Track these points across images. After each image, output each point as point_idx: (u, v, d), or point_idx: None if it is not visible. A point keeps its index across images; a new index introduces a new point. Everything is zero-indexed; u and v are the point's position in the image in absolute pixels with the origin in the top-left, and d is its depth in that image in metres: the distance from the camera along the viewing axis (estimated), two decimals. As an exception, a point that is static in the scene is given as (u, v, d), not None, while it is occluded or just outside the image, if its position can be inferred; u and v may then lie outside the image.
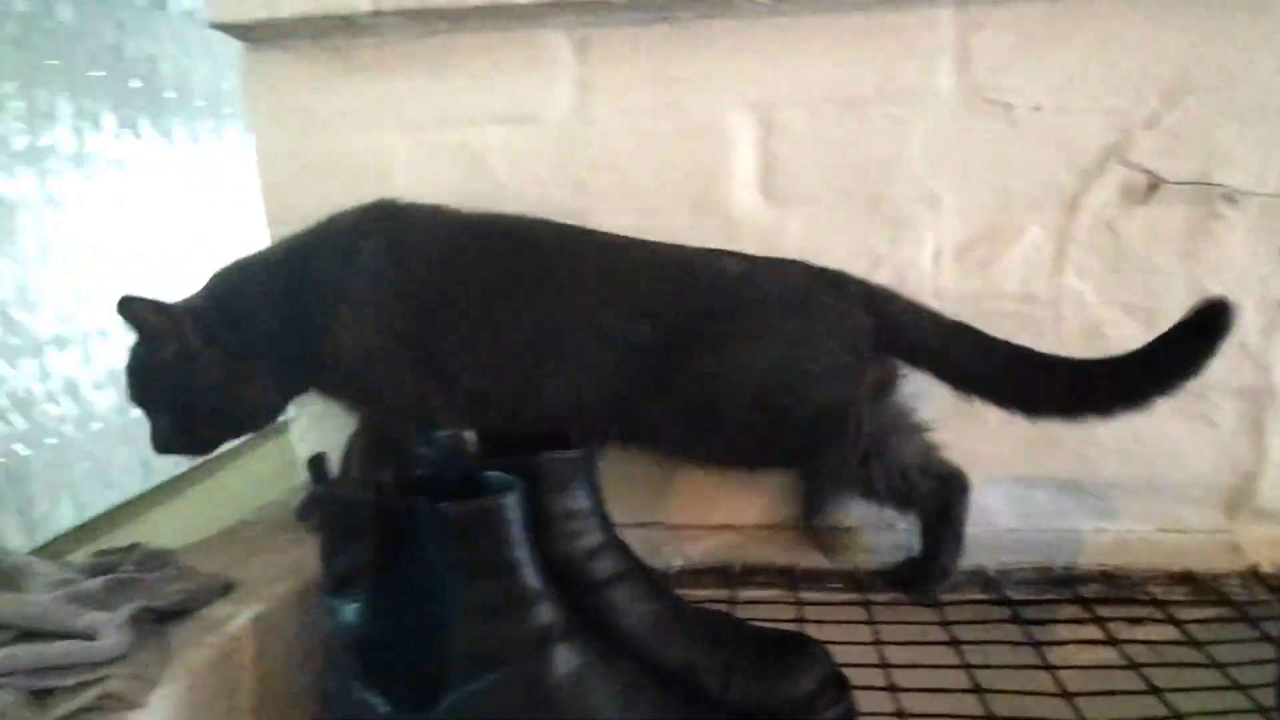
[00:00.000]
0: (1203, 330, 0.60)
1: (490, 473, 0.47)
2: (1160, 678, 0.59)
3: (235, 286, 0.67)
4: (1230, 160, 0.69)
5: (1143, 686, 0.59)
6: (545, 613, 0.44)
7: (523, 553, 0.44)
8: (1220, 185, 0.70)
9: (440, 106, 0.75)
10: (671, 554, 0.80)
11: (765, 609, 0.72)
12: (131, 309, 0.62)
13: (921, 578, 0.71)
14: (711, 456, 0.72)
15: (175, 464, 1.12)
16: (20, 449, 0.88)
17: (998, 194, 0.72)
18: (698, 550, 0.80)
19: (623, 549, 0.55)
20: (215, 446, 0.69)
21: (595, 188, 0.75)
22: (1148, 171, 0.70)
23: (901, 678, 0.60)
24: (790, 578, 0.78)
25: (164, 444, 0.66)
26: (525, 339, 0.65)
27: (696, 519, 0.80)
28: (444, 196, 0.77)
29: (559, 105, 0.75)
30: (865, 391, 0.66)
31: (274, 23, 0.72)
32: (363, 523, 0.46)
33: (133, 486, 1.05)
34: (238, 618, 0.56)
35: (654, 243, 0.69)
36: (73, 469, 0.94)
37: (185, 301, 0.66)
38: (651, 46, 0.73)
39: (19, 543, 0.87)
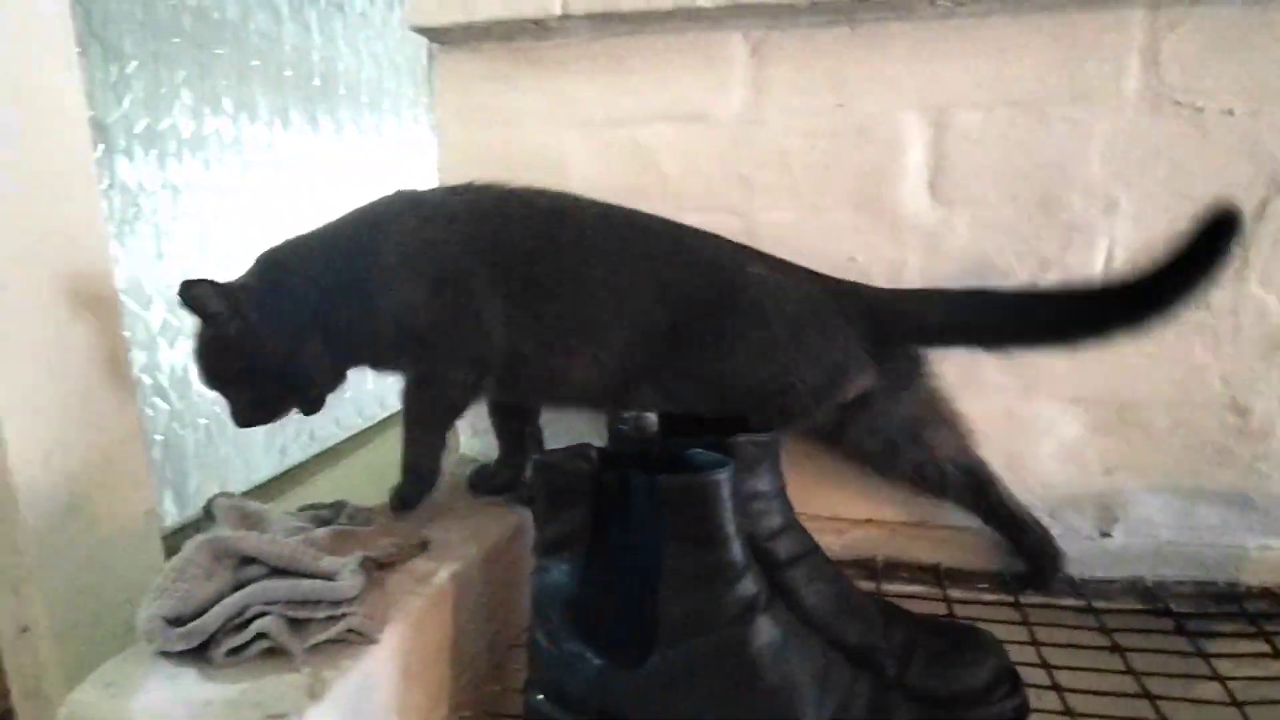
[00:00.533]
0: (1212, 240, 0.58)
1: (696, 451, 0.50)
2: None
3: (285, 266, 0.68)
4: None
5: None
6: (749, 584, 0.47)
7: (731, 527, 0.47)
8: None
9: (615, 105, 0.79)
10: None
11: (914, 604, 0.73)
12: (192, 291, 0.63)
13: (1032, 569, 0.73)
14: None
15: (306, 447, 1.22)
16: (177, 428, 0.97)
17: (1179, 199, 0.71)
18: (840, 543, 0.82)
19: (802, 531, 0.58)
20: (285, 414, 0.71)
21: (760, 184, 0.78)
22: (1348, 179, 0.67)
23: (1066, 679, 0.61)
24: (936, 574, 0.79)
25: (244, 420, 0.68)
26: (559, 310, 0.66)
27: (839, 511, 0.82)
28: (614, 190, 0.81)
29: (730, 104, 0.77)
30: (856, 392, 0.67)
31: (468, 26, 0.78)
32: (577, 491, 0.50)
33: (269, 467, 1.15)
34: (440, 572, 0.61)
35: (687, 230, 0.70)
36: (218, 449, 1.04)
37: (238, 281, 0.67)
38: (826, 48, 0.74)
39: (174, 514, 0.97)
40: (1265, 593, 0.73)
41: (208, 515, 0.61)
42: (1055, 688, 0.60)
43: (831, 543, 0.82)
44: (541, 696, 0.51)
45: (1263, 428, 0.72)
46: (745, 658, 0.46)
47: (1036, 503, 0.77)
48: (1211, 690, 0.60)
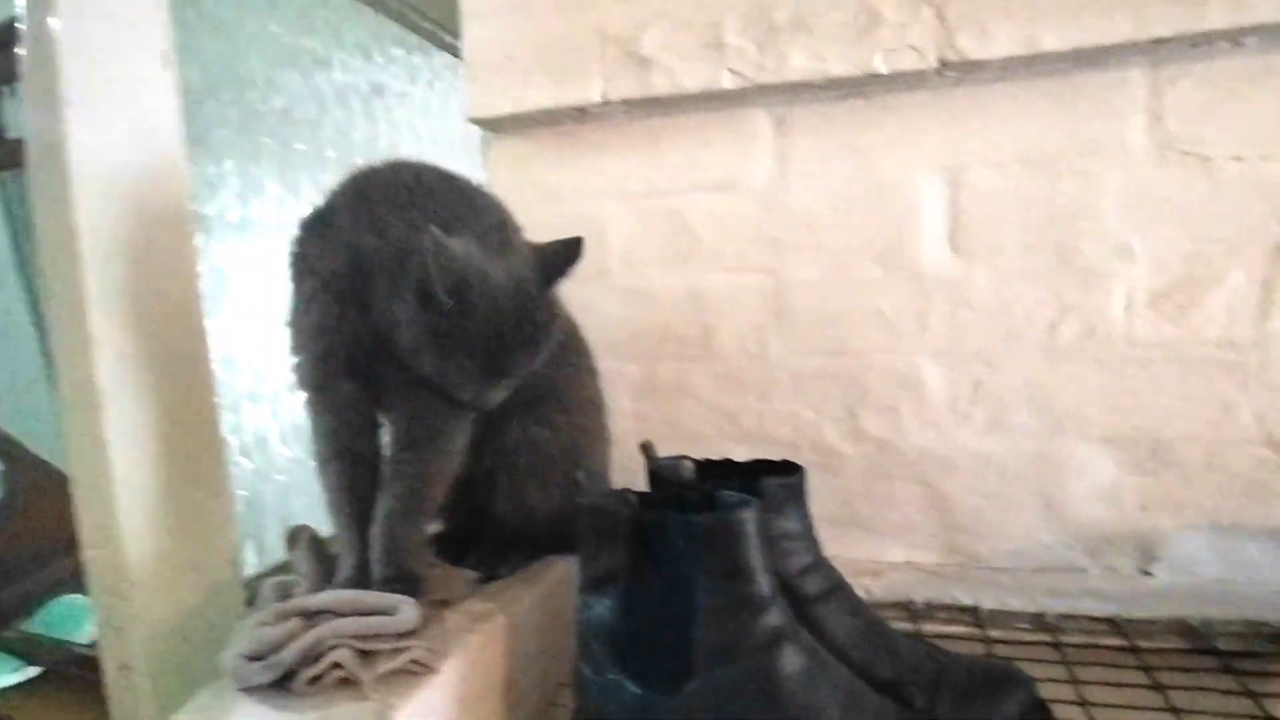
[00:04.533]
0: None
1: (726, 492, 0.55)
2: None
3: None
4: None
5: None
6: (776, 616, 0.51)
7: (758, 561, 0.51)
8: None
9: (652, 178, 0.87)
10: (855, 588, 0.85)
11: (953, 644, 0.75)
12: None
13: None
14: None
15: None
16: (258, 483, 1.05)
17: (1195, 241, 0.73)
18: (880, 585, 0.84)
19: (830, 569, 0.61)
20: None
21: (789, 246, 0.83)
22: (1363, 217, 0.69)
23: (1104, 716, 0.62)
24: (975, 615, 0.80)
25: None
26: None
27: (878, 555, 0.84)
28: (653, 255, 0.88)
29: (758, 174, 0.84)
30: None
31: (518, 115, 0.87)
32: (618, 532, 0.54)
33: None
34: (496, 612, 0.66)
35: None
36: (293, 503, 1.11)
37: None
38: (844, 119, 0.80)
39: (255, 563, 1.04)
40: (1320, 633, 0.72)
41: (290, 544, 0.68)
42: (1092, 724, 0.61)
43: (870, 585, 0.84)
44: (588, 724, 0.55)
45: (1301, 464, 0.73)
46: (773, 684, 0.49)
47: (1075, 543, 0.79)
48: (1258, 728, 0.60)
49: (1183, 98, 0.72)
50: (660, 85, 0.80)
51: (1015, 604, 0.80)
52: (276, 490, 1.09)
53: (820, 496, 0.85)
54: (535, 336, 0.60)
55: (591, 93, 0.83)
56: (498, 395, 0.61)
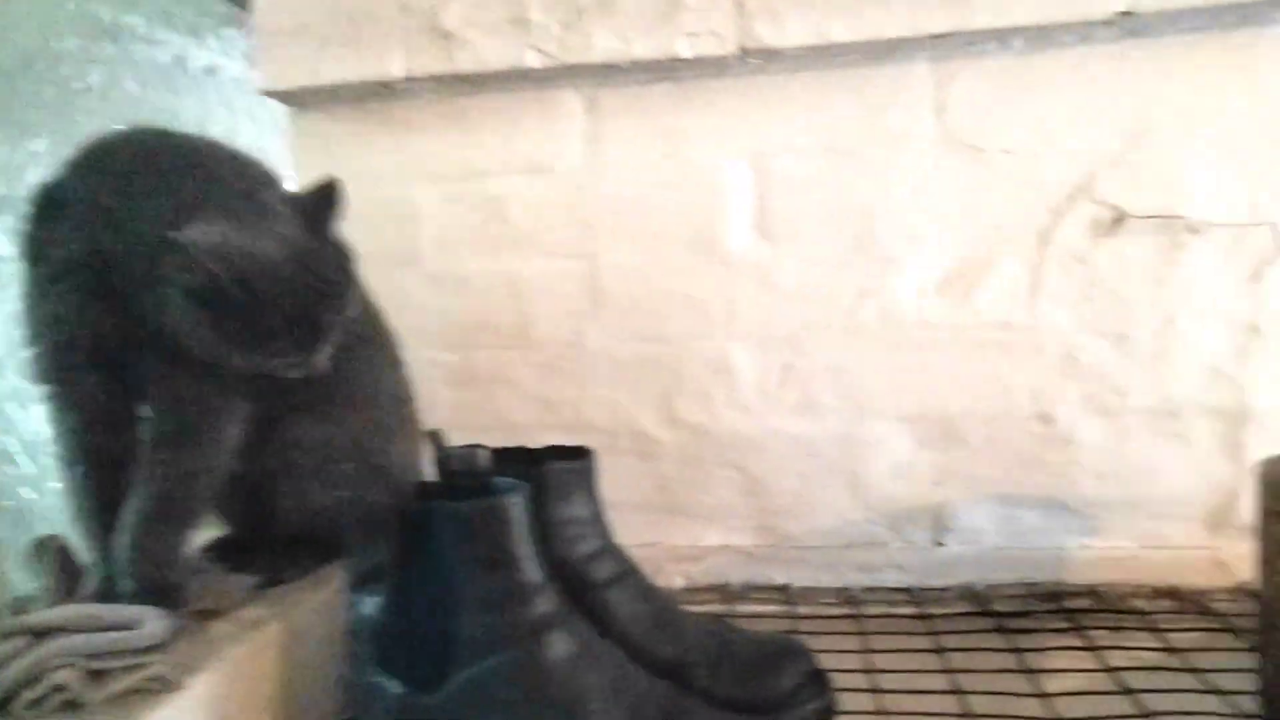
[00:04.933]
0: None
1: (499, 479, 0.53)
2: (1136, 681, 0.62)
3: None
4: (1190, 193, 0.74)
5: (1118, 688, 0.62)
6: (543, 603, 0.49)
7: (524, 549, 0.49)
8: (1182, 217, 0.74)
9: (464, 159, 0.84)
10: (674, 573, 0.85)
11: (764, 622, 0.76)
12: None
13: None
14: None
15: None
16: (26, 492, 0.95)
17: (975, 230, 0.77)
18: (699, 569, 0.85)
19: (620, 555, 0.60)
20: None
21: (602, 230, 0.82)
22: (1113, 206, 0.75)
23: (887, 681, 0.64)
24: (786, 593, 0.82)
25: None
26: None
27: (697, 540, 0.85)
28: (466, 240, 0.85)
29: (571, 156, 0.82)
30: None
31: (317, 89, 0.81)
32: (383, 524, 0.52)
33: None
34: (270, 620, 0.62)
35: None
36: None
37: None
38: (655, 103, 0.80)
39: (19, 584, 0.93)
40: (1088, 590, 0.78)
41: (36, 556, 0.61)
42: (874, 690, 0.63)
43: (690, 569, 0.85)
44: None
45: (1067, 435, 0.78)
46: (538, 672, 0.48)
47: (877, 519, 0.82)
48: (1021, 684, 0.64)
49: (962, 93, 0.76)
50: (464, 62, 0.77)
51: (826, 580, 0.83)
52: (51, 500, 0.99)
53: (638, 483, 0.86)
54: (332, 286, 0.57)
55: (393, 67, 0.79)
56: (323, 355, 0.57)
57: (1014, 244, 0.77)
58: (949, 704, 0.61)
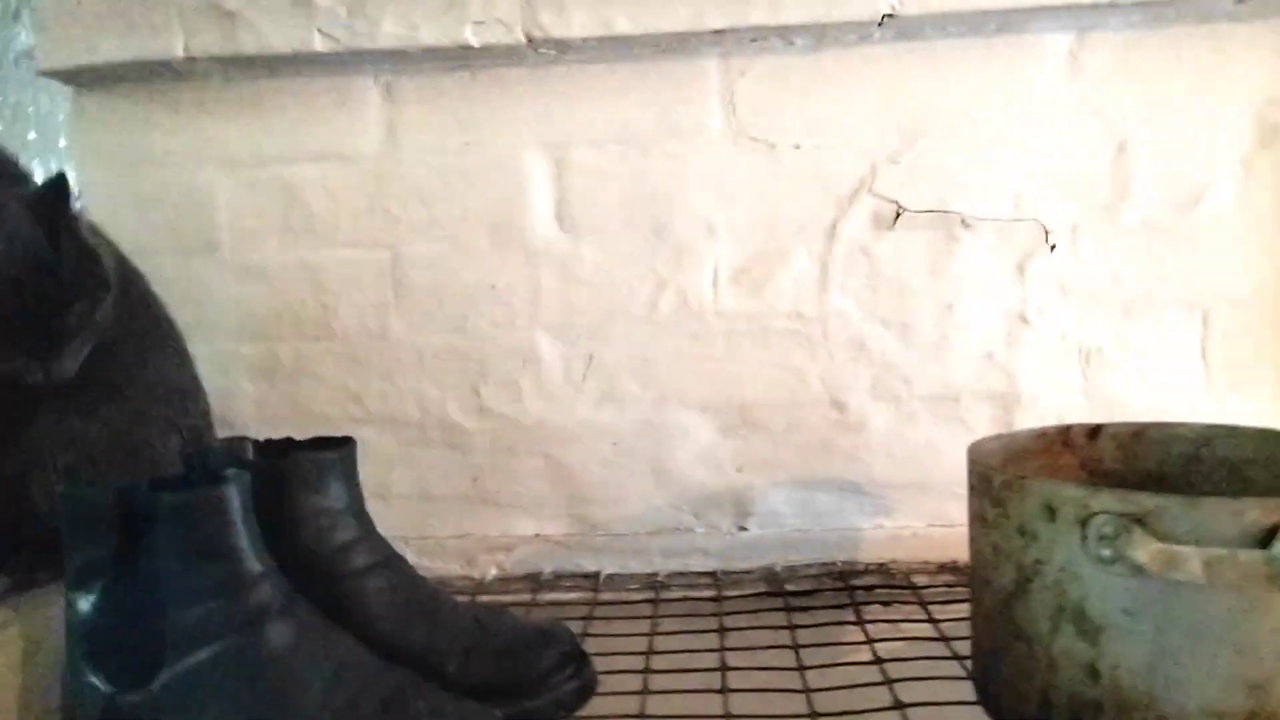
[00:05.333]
0: None
1: (231, 470, 0.51)
2: (896, 652, 0.65)
3: None
4: (963, 189, 0.78)
5: (872, 658, 0.64)
6: (263, 593, 0.48)
7: (243, 539, 0.48)
8: (955, 212, 0.79)
9: (259, 145, 0.81)
10: (487, 563, 0.85)
11: (569, 609, 0.77)
12: None
13: None
14: None
15: None
16: None
17: (767, 222, 0.80)
18: (511, 559, 0.85)
19: (379, 545, 0.59)
20: None
21: (404, 219, 0.81)
22: (893, 201, 0.79)
23: (658, 662, 0.65)
24: (594, 581, 0.83)
25: None
26: None
27: (509, 530, 0.85)
28: (265, 229, 0.83)
29: (369, 144, 0.81)
30: None
31: (96, 68, 0.77)
32: (102, 519, 0.49)
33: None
34: (10, 624, 0.58)
35: None
36: None
37: None
38: (452, 91, 0.79)
39: None
40: (878, 568, 0.82)
41: None
42: (645, 670, 0.64)
43: (503, 560, 0.85)
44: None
45: (859, 421, 0.82)
46: (254, 663, 0.46)
47: (682, 505, 0.84)
48: (788, 657, 0.66)
49: (750, 88, 0.78)
50: (248, 43, 0.75)
51: (634, 567, 0.84)
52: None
53: (450, 474, 0.85)
54: (69, 290, 0.56)
55: (173, 47, 0.76)
56: (70, 360, 0.57)
57: (804, 236, 0.80)
58: (712, 680, 0.62)
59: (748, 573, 0.82)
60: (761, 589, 0.80)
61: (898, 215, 0.79)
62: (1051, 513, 0.44)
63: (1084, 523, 0.42)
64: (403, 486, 0.84)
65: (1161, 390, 0.80)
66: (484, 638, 0.58)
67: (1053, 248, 0.79)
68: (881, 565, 0.82)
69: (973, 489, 0.52)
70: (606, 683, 0.61)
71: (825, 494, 0.83)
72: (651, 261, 0.81)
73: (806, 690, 0.60)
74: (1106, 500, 0.42)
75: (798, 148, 0.79)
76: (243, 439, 0.62)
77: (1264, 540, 0.37)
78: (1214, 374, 0.80)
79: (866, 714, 0.56)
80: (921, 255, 0.80)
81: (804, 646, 0.67)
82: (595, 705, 0.59)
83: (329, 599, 0.55)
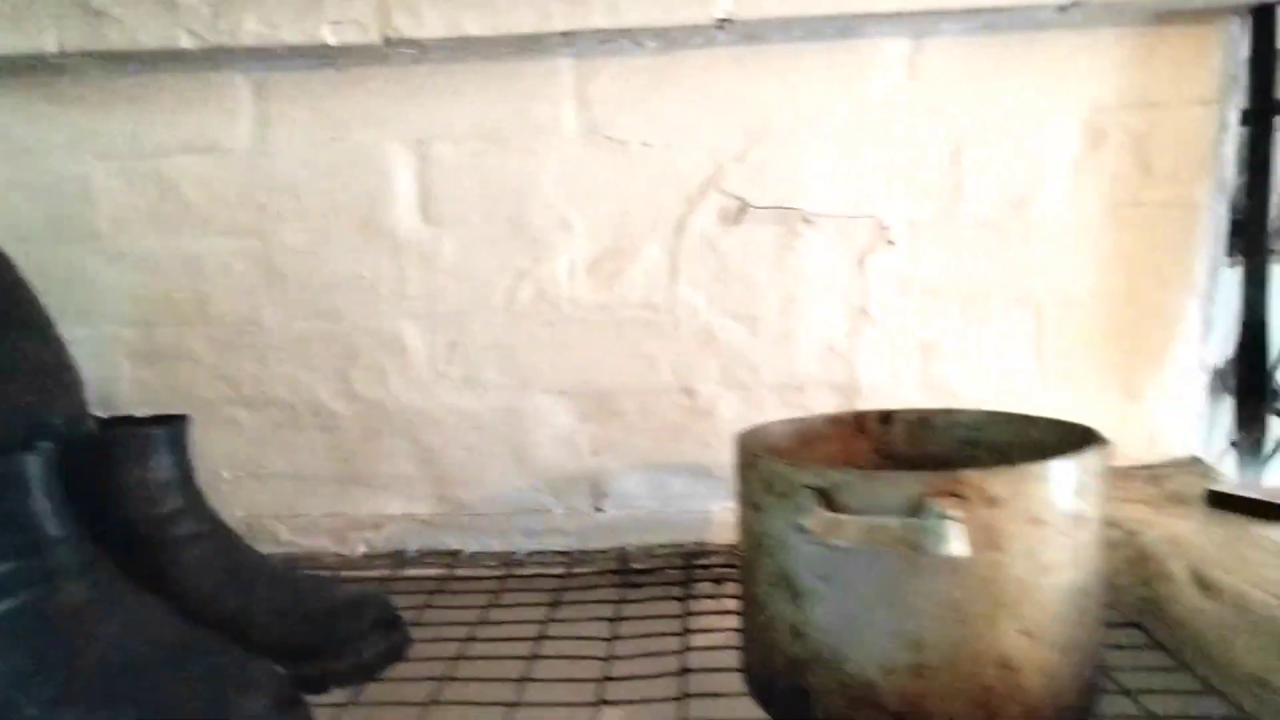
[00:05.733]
0: None
1: (41, 443, 0.55)
2: (707, 623, 0.70)
3: None
4: (805, 188, 0.82)
5: (679, 630, 0.68)
6: (61, 555, 0.52)
7: (44, 504, 0.52)
8: (798, 209, 0.82)
9: (136, 137, 0.84)
10: (356, 540, 0.89)
11: (426, 584, 0.81)
12: None
13: None
14: None
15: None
16: None
17: (619, 217, 0.83)
18: (380, 537, 0.89)
19: (204, 514, 0.63)
20: None
21: (275, 211, 0.85)
22: (738, 198, 0.82)
23: (484, 632, 0.70)
24: (455, 558, 0.87)
25: None
26: None
27: (378, 510, 0.88)
28: (143, 218, 0.86)
29: (241, 138, 0.84)
30: None
31: (-29, 62, 0.81)
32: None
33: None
34: None
35: None
36: None
37: None
38: (321, 88, 0.83)
39: None
40: (727, 549, 0.86)
41: None
42: (467, 639, 0.68)
43: (372, 537, 0.89)
44: None
45: (708, 407, 0.86)
46: (46, 618, 0.50)
47: (542, 486, 0.88)
48: (602, 629, 0.70)
49: (603, 88, 0.82)
50: (116, 39, 0.78)
51: (495, 545, 0.88)
52: None
53: (322, 456, 0.89)
54: None
55: (46, 42, 0.79)
56: None
57: (654, 230, 0.84)
58: (521, 649, 0.66)
59: (602, 552, 0.86)
60: (612, 567, 0.84)
61: (743, 211, 0.83)
62: (771, 488, 0.48)
63: (791, 496, 0.46)
64: (276, 466, 0.88)
65: (996, 381, 0.84)
66: (297, 604, 0.62)
67: (891, 244, 0.83)
68: (731, 547, 0.86)
69: (736, 470, 0.56)
70: (425, 650, 0.65)
71: (677, 477, 0.87)
72: (510, 253, 0.84)
73: (606, 658, 0.64)
74: (807, 476, 0.46)
75: (648, 146, 0.83)
76: (87, 415, 0.66)
77: (915, 509, 0.41)
78: (1046, 366, 0.84)
79: (648, 679, 0.60)
80: (766, 250, 0.83)
81: (622, 619, 0.71)
82: (405, 669, 0.63)
83: (148, 566, 0.59)
